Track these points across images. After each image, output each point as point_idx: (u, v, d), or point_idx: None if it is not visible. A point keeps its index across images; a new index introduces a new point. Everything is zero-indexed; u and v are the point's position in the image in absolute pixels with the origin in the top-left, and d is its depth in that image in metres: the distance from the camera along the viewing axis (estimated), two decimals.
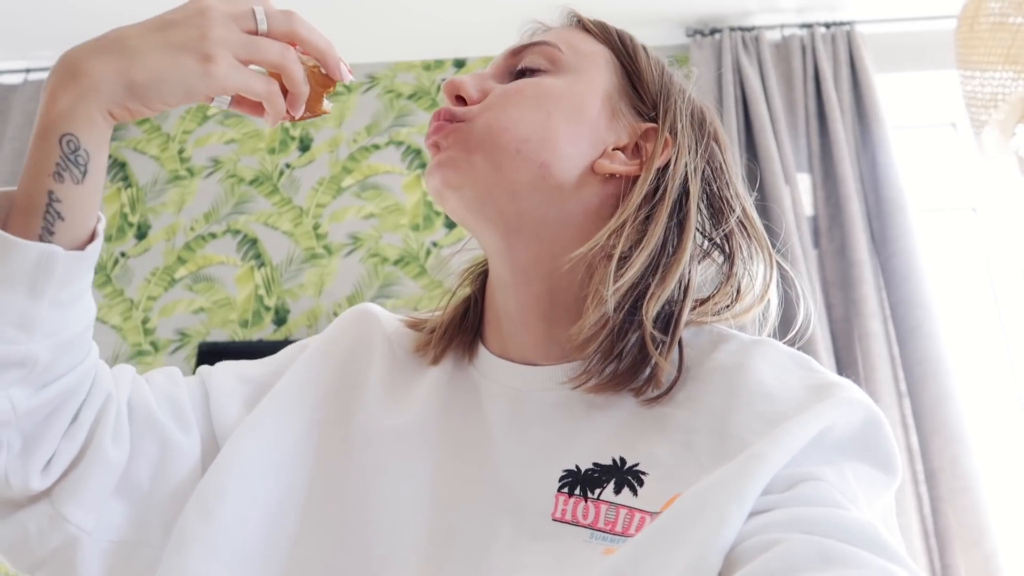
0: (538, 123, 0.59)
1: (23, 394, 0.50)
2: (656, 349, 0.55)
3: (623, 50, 0.66)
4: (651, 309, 0.55)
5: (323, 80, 0.57)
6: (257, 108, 0.55)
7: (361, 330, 0.70)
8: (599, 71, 0.64)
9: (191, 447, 0.61)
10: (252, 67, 0.52)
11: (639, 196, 0.58)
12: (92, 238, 0.52)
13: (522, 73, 0.63)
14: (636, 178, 0.60)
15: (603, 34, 0.67)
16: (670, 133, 0.62)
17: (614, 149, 0.61)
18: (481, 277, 0.69)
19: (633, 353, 0.56)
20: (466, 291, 0.70)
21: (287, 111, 0.54)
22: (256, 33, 0.52)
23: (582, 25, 0.68)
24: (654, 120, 0.64)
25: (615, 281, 0.55)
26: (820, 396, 0.51)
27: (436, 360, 0.66)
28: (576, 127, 0.60)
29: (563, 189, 0.59)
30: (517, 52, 0.64)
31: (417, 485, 0.58)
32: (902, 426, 1.87)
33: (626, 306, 0.56)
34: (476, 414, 0.61)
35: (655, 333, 0.55)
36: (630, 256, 0.56)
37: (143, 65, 0.49)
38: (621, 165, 0.61)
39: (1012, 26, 1.35)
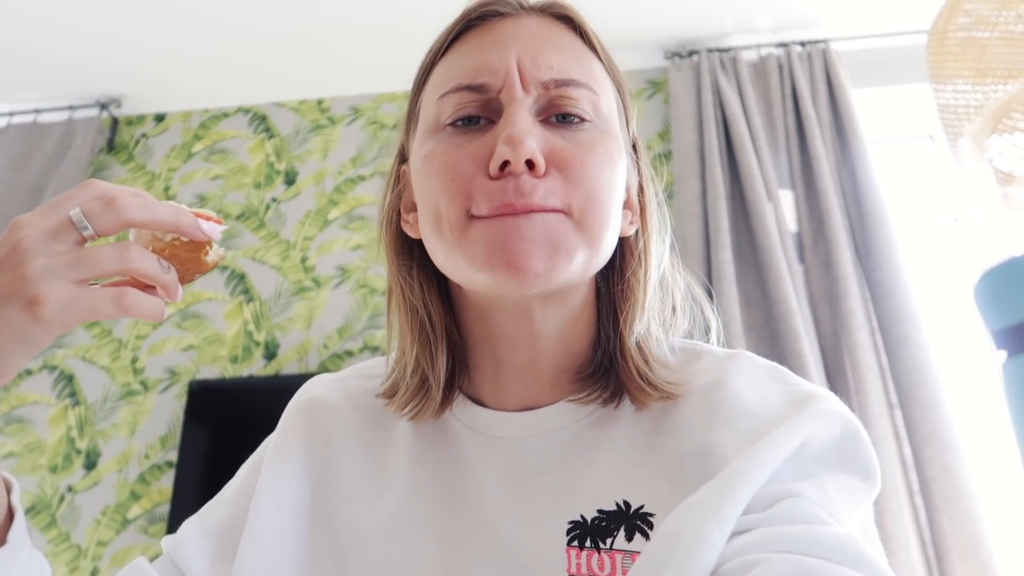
0: (617, 212, 0.57)
1: None
2: (640, 354, 0.58)
3: (622, 85, 0.62)
4: (640, 325, 0.59)
5: (192, 245, 0.50)
6: None
7: (310, 424, 0.65)
8: (617, 116, 0.59)
9: None
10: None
11: (646, 246, 0.61)
12: (10, 516, 0.47)
13: (563, 116, 0.54)
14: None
15: (609, 65, 0.61)
16: (642, 171, 0.63)
17: (623, 206, 0.60)
18: (447, 327, 0.62)
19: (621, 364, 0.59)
20: (433, 340, 0.62)
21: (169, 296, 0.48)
22: (85, 240, 0.44)
23: (587, 41, 0.59)
24: (633, 157, 0.63)
25: (640, 317, 0.58)
26: (796, 408, 0.52)
27: (414, 418, 0.61)
28: (621, 201, 0.58)
29: (607, 259, 0.58)
30: (555, 84, 0.54)
31: (426, 568, 0.55)
32: (894, 437, 1.87)
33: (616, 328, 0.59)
34: (465, 471, 0.59)
35: (639, 343, 0.59)
36: (638, 292, 0.60)
37: None
38: (629, 224, 0.61)
39: (980, 40, 1.38)
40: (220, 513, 0.64)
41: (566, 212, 0.52)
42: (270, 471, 0.62)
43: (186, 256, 0.49)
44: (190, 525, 0.64)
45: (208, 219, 0.50)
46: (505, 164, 0.51)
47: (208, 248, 0.50)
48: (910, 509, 1.80)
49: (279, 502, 0.60)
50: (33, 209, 2.46)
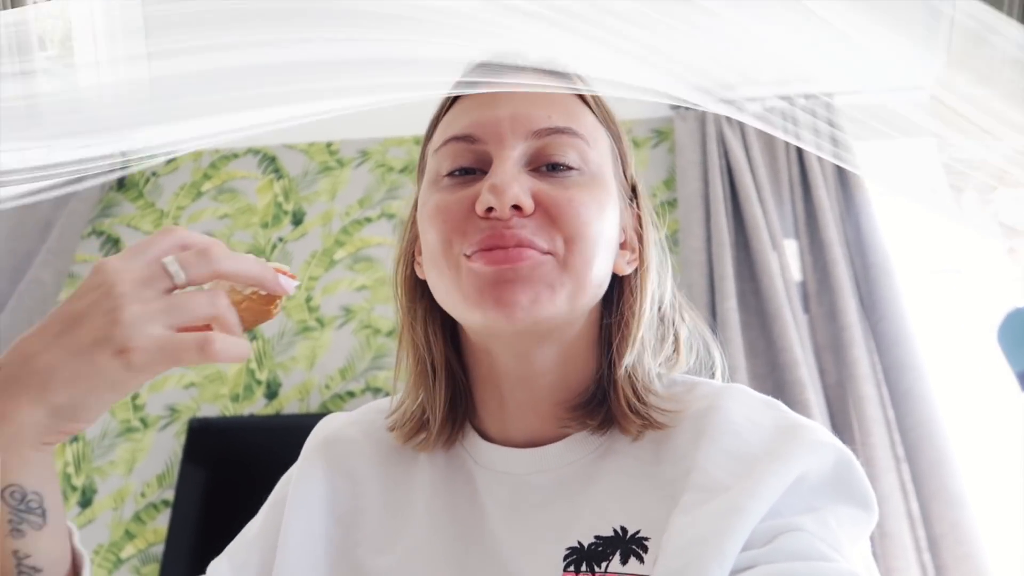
0: (609, 257, 0.60)
1: None
2: (629, 383, 0.61)
3: (617, 134, 0.66)
4: (629, 357, 0.61)
5: (266, 299, 0.51)
6: None
7: (332, 460, 0.67)
8: (611, 166, 0.63)
9: None
10: None
11: (642, 281, 0.63)
12: (76, 571, 0.49)
13: (552, 166, 0.58)
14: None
15: (603, 115, 0.65)
16: (641, 213, 0.66)
17: (620, 247, 0.63)
18: (448, 365, 0.65)
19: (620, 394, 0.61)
20: (443, 376, 0.65)
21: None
22: (175, 288, 0.45)
23: (582, 98, 0.63)
24: (631, 200, 0.66)
25: (631, 348, 0.60)
26: (788, 437, 0.53)
27: (420, 449, 0.65)
28: (614, 241, 0.62)
29: (599, 297, 0.62)
30: (542, 134, 0.58)
31: None
32: (901, 492, 1.84)
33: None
34: (477, 507, 0.61)
35: (628, 373, 0.61)
36: (632, 325, 0.62)
37: (58, 386, 0.42)
38: (627, 263, 0.64)
39: (983, 96, 1.40)
40: (249, 552, 0.66)
41: (552, 253, 0.55)
42: (294, 508, 0.64)
43: (259, 308, 0.51)
44: (221, 565, 0.66)
45: (284, 274, 0.50)
46: (490, 210, 0.54)
47: (279, 301, 0.52)
48: (919, 566, 1.76)
49: (306, 539, 0.62)
50: (43, 244, 2.43)
